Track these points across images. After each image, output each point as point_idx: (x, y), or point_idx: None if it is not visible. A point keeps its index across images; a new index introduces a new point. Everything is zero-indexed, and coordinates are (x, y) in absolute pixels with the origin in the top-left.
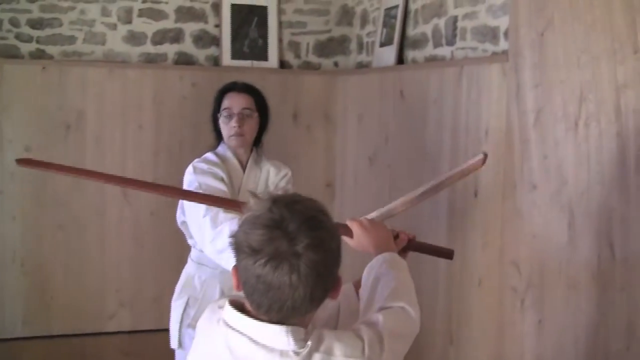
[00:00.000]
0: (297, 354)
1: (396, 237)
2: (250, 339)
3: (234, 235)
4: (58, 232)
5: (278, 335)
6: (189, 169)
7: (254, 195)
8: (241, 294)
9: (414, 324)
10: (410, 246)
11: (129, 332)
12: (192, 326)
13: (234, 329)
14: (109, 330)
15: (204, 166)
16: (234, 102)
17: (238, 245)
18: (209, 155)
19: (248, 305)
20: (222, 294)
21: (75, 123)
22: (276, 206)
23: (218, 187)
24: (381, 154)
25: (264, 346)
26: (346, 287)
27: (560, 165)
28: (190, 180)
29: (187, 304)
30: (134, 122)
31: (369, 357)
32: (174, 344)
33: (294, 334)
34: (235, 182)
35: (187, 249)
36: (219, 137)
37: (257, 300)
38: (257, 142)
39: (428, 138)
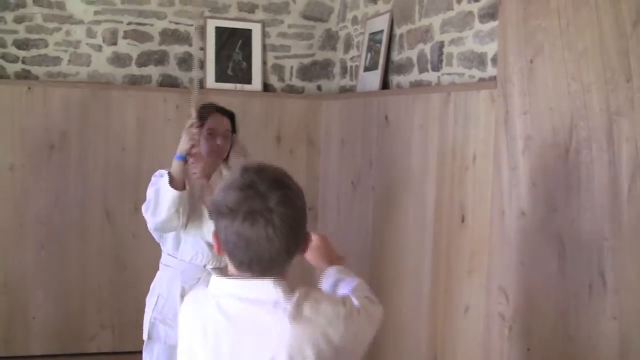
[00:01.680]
0: (287, 302)
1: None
2: (240, 297)
3: (212, 201)
4: (40, 251)
5: (267, 288)
6: (154, 174)
7: (228, 167)
8: None
9: (379, 310)
10: None
11: (110, 354)
12: (159, 320)
13: (223, 294)
14: (89, 351)
15: (164, 171)
16: (218, 124)
17: (217, 207)
18: None
19: (231, 267)
20: (183, 291)
21: (59, 144)
22: (247, 172)
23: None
24: (365, 178)
25: (255, 300)
26: None
27: (549, 193)
28: (152, 181)
29: (157, 301)
30: (117, 143)
31: (349, 309)
32: (145, 335)
33: (282, 286)
34: (196, 190)
35: None
36: None
37: (239, 257)
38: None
39: (414, 163)
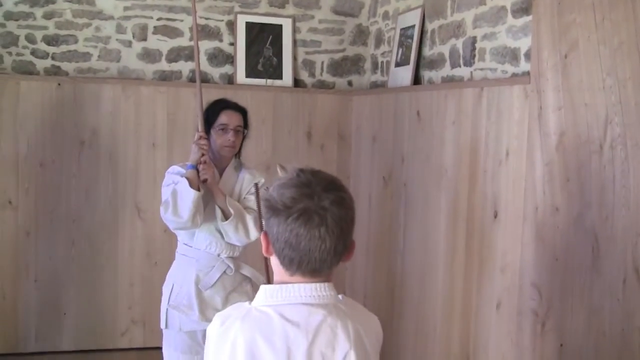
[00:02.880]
0: (342, 304)
1: None
2: (302, 303)
3: (267, 198)
4: (71, 248)
5: (323, 292)
6: (167, 170)
7: (282, 167)
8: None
9: None
10: None
11: (141, 349)
12: (172, 307)
13: (283, 303)
14: (121, 347)
15: (177, 168)
16: (231, 120)
17: (272, 204)
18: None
19: (279, 271)
20: (197, 278)
21: (89, 140)
22: (303, 173)
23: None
24: (397, 174)
25: (316, 304)
26: None
27: (583, 189)
28: (164, 181)
29: (172, 289)
30: (148, 139)
31: None
32: (162, 324)
33: (334, 289)
34: (207, 190)
35: None
36: None
37: (289, 255)
38: (237, 152)
39: (446, 158)
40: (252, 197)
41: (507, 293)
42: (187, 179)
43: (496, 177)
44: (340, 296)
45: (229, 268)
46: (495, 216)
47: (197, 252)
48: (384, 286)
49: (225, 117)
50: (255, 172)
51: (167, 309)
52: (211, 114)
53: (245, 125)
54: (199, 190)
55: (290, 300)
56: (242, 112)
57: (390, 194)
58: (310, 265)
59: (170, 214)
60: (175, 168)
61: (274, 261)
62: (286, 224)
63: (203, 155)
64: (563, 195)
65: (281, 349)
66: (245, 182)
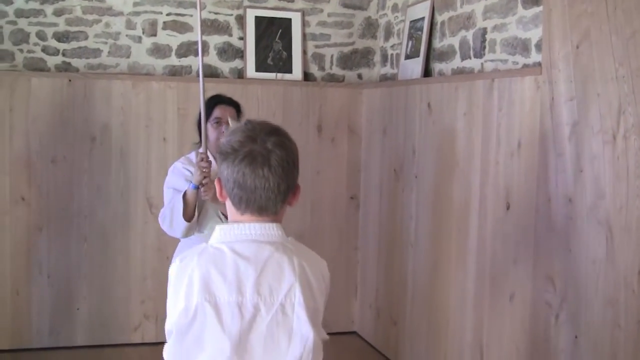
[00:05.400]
0: (289, 243)
1: None
2: (252, 240)
3: (220, 146)
4: (83, 243)
5: (271, 231)
6: (170, 168)
7: (234, 120)
8: None
9: None
10: None
11: (154, 344)
12: None
13: (235, 240)
14: (133, 342)
15: (180, 166)
16: (224, 113)
17: (222, 150)
18: (192, 154)
19: (232, 211)
20: None
21: (100, 135)
22: (250, 123)
23: (182, 188)
24: (408, 166)
25: (265, 242)
26: None
27: (597, 179)
28: (167, 179)
29: None
30: (158, 134)
31: None
32: None
33: (281, 229)
34: (212, 176)
35: None
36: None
37: (238, 194)
38: None
39: (458, 150)
40: None
41: (521, 285)
42: (185, 200)
43: (508, 168)
44: (289, 238)
45: None
46: (508, 208)
47: (200, 236)
48: (396, 279)
49: (219, 111)
50: None
51: None
52: (206, 109)
53: (239, 118)
54: (189, 220)
55: (241, 238)
56: (236, 106)
57: (402, 186)
58: (257, 203)
59: (167, 227)
60: (177, 168)
61: (228, 203)
62: (234, 165)
63: (205, 177)
64: (576, 186)
65: (232, 280)
66: None
